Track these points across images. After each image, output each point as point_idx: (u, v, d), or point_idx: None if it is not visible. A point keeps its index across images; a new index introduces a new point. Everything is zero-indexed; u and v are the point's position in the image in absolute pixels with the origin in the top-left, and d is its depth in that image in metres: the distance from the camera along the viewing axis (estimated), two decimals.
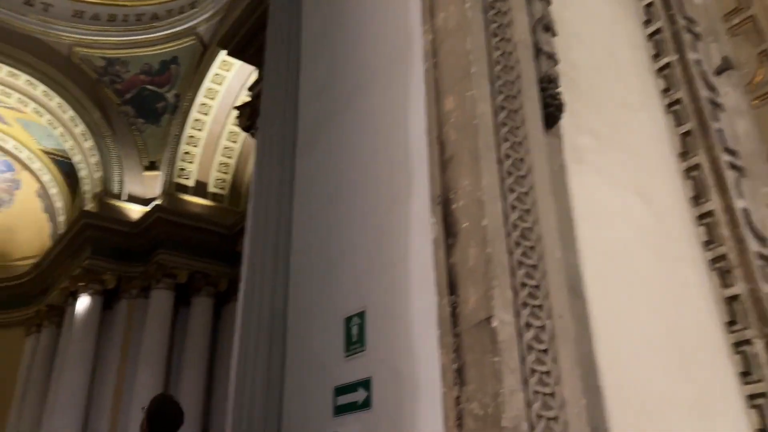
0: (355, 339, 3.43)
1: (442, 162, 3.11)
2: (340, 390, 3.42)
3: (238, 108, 15.24)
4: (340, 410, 3.38)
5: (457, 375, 2.68)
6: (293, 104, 4.62)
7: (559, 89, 3.36)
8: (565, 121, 3.36)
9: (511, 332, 2.60)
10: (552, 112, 3.33)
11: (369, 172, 3.75)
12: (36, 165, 20.85)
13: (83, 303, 16.78)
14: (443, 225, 3.01)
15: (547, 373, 2.57)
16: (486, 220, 2.79)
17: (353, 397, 3.32)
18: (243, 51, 9.10)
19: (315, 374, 3.66)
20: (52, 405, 16.37)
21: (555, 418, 2.47)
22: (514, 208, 2.91)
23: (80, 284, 16.88)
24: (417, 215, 3.23)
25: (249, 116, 9.24)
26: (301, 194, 4.28)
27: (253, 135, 8.47)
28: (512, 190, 2.95)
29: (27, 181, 21.78)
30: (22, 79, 17.72)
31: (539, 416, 2.46)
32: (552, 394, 2.52)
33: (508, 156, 3.02)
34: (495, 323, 2.58)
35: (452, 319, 2.80)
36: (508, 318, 2.62)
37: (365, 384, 3.28)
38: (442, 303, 2.89)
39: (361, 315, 3.44)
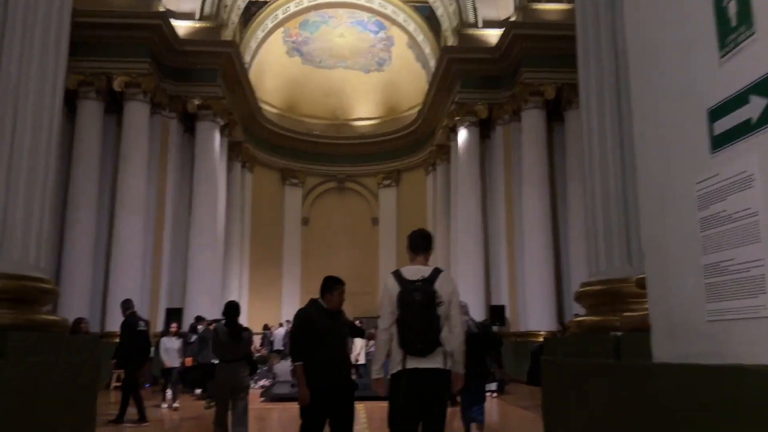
0: (734, 22, 2.05)
1: None
2: (718, 111, 2.13)
3: None
4: (721, 141, 2.11)
5: None
6: None
7: None
8: None
9: None
10: None
11: None
12: (401, 17, 22.04)
13: (462, 136, 17.56)
14: None
15: None
16: None
17: (740, 116, 2.01)
18: None
19: (675, 103, 2.42)
20: (455, 231, 18.12)
21: None
22: None
23: (456, 119, 17.60)
24: None
25: None
26: None
27: None
28: None
29: (397, 35, 23.38)
30: None
31: None
32: None
33: None
34: None
35: None
36: None
37: (761, 86, 1.92)
38: None
39: None
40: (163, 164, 16.43)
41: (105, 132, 15.61)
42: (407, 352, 3.70)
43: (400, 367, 3.73)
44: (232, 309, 6.41)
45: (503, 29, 16.63)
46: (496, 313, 15.80)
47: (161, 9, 15.96)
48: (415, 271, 3.86)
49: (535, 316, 15.32)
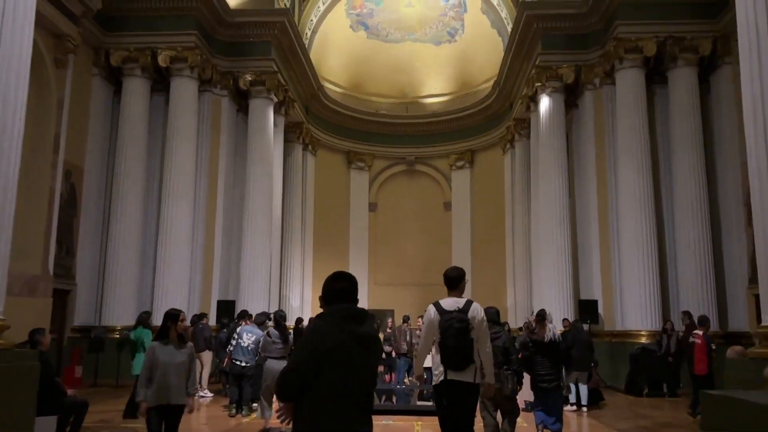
0: None
1: None
2: None
3: None
4: None
5: None
6: None
7: None
8: None
9: None
10: None
11: None
12: None
13: (545, 105, 15.27)
14: None
15: None
16: None
17: None
18: None
19: None
20: (536, 215, 15.91)
21: None
22: None
23: (538, 85, 15.32)
24: None
25: None
26: None
27: None
28: None
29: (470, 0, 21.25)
30: None
31: None
32: None
33: None
34: None
35: None
36: None
37: None
38: None
39: None
40: (215, 145, 15.21)
41: (153, 112, 14.56)
42: (447, 367, 4.57)
43: (442, 378, 4.62)
44: (282, 317, 7.98)
45: None
46: (587, 308, 13.56)
47: None
48: (452, 303, 4.71)
49: (634, 312, 12.98)
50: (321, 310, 2.92)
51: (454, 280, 4.83)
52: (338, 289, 2.90)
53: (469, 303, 4.70)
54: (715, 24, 13.26)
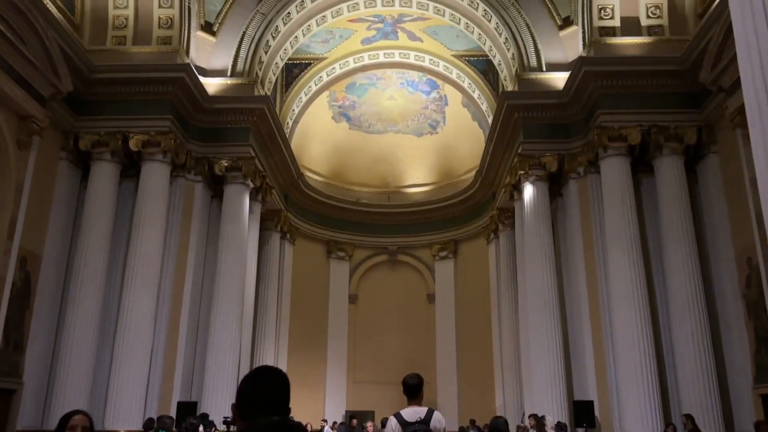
0: None
1: None
2: None
3: None
4: None
5: None
6: None
7: None
8: None
9: None
10: None
11: None
12: (453, 73, 20.10)
13: (528, 193, 14.87)
14: None
15: None
16: None
17: None
18: None
19: None
20: (524, 308, 15.13)
21: None
22: None
23: (521, 173, 14.98)
24: None
25: None
26: None
27: None
28: None
29: (451, 93, 21.41)
30: None
31: None
32: None
33: None
34: None
35: None
36: None
37: None
38: None
39: None
40: (185, 233, 14.44)
41: (121, 198, 13.88)
42: None
43: None
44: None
45: (570, 72, 14.24)
46: (582, 410, 12.48)
47: (185, 61, 14.44)
48: (413, 413, 4.56)
49: (633, 413, 11.93)
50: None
51: (414, 388, 4.65)
52: (261, 395, 1.96)
53: (430, 412, 4.55)
54: (699, 113, 13.16)
